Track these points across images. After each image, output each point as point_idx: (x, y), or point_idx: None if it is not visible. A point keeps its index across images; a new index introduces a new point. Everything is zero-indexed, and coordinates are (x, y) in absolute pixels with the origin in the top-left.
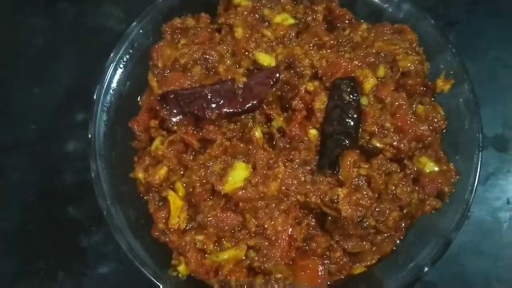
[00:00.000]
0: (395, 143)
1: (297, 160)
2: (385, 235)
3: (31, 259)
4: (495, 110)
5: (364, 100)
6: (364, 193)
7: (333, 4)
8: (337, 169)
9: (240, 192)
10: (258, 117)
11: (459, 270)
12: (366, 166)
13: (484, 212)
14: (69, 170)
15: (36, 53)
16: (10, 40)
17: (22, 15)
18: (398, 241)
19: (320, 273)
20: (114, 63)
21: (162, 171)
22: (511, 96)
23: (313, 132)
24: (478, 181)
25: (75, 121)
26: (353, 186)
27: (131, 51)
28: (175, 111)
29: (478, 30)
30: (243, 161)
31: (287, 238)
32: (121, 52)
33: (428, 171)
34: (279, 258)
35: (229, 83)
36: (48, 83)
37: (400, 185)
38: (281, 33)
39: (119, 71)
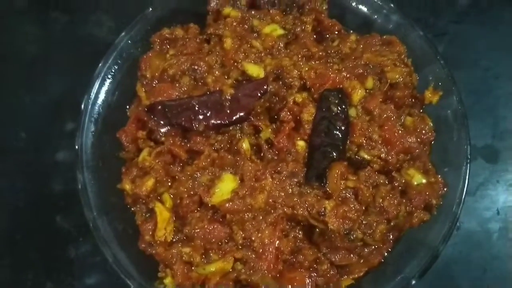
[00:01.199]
0: (383, 155)
1: (284, 172)
2: (373, 247)
3: (19, 269)
4: (485, 121)
5: (352, 112)
6: (351, 205)
7: (322, 15)
8: (324, 181)
9: (227, 204)
10: (246, 128)
11: (448, 281)
12: (354, 178)
13: (473, 223)
14: (57, 179)
15: (27, 61)
16: (1, 47)
17: (14, 23)
18: (386, 253)
19: (307, 286)
20: (103, 73)
21: (149, 183)
22: (501, 106)
23: (301, 143)
24: (467, 192)
25: (65, 130)
26: (340, 199)
27: (119, 61)
28: (162, 122)
29: (468, 41)
30: (231, 173)
31: (274, 251)
32: (109, 62)
33: (416, 183)
34: (266, 271)
35: (217, 94)
36: (39, 91)
37: (388, 197)
38: (270, 44)
39: (108, 82)
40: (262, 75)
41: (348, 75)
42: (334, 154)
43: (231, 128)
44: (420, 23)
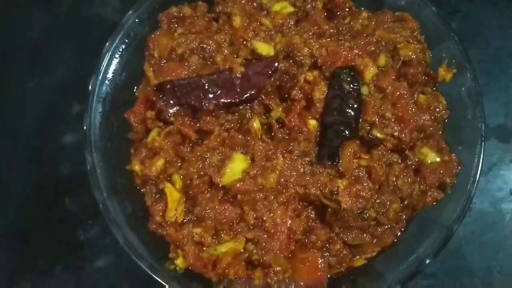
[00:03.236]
0: (396, 133)
1: (296, 151)
2: (386, 227)
3: (29, 253)
4: (498, 100)
5: (364, 90)
6: (365, 184)
7: None
8: (337, 160)
9: (238, 184)
10: (257, 107)
11: (460, 262)
12: (367, 157)
13: (486, 203)
14: (65, 162)
15: (32, 44)
16: (5, 32)
17: (18, 7)
18: (399, 233)
19: (320, 266)
20: (110, 52)
21: (159, 163)
22: None
23: (312, 122)
24: (480, 172)
25: (71, 113)
26: (353, 178)
27: (127, 40)
28: (171, 102)
29: (481, 19)
30: (241, 153)
31: (286, 231)
32: (116, 41)
33: (429, 161)
34: (278, 251)
35: (227, 73)
36: (44, 74)
37: (401, 176)
38: (280, 21)
39: (115, 61)
40: (272, 53)
41: (360, 53)
42: (347, 132)
43: (241, 108)
44: (432, 1)
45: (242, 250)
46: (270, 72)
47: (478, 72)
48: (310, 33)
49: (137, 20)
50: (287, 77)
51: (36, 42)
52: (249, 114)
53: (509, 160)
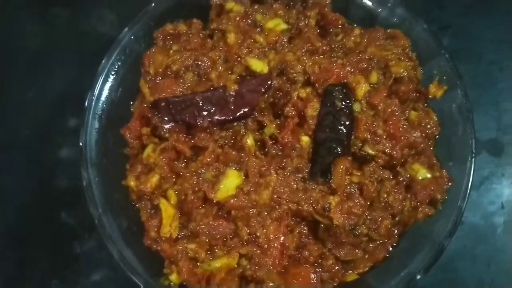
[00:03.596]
0: (387, 150)
1: (289, 168)
2: (378, 242)
3: (25, 266)
4: (489, 114)
5: (356, 107)
6: (356, 201)
7: (326, 9)
8: (329, 177)
9: (232, 200)
10: (250, 124)
11: (452, 275)
12: (359, 173)
13: (478, 217)
14: (62, 175)
15: (30, 57)
16: (3, 43)
17: (16, 19)
18: (390, 249)
19: (312, 281)
20: (106, 69)
21: (154, 179)
22: (505, 99)
23: (305, 139)
24: (472, 186)
25: (69, 127)
26: (345, 194)
27: (123, 57)
28: (166, 118)
29: (473, 34)
30: (235, 169)
31: (279, 246)
32: (112, 58)
33: (420, 178)
34: (271, 267)
35: (221, 90)
36: (41, 87)
37: (393, 192)
38: (274, 38)
39: (111, 78)
40: (265, 70)
41: (352, 70)
42: (339, 149)
43: (235, 124)
44: (424, 16)
45: (236, 266)
46: (263, 89)
47: (469, 87)
48: (303, 50)
49: (133, 37)
50: (281, 93)
51: (33, 55)
52: (243, 131)
53: (500, 174)
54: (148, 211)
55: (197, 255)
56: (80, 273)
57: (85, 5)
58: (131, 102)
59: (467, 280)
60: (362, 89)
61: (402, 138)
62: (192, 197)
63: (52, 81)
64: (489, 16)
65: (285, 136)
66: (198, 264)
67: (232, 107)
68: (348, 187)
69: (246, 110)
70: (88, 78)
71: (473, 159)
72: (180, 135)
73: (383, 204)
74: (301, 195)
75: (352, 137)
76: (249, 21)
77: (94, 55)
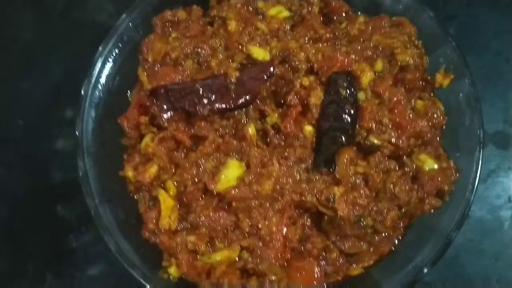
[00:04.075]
0: (393, 140)
1: (292, 158)
2: (383, 235)
3: (19, 260)
4: (496, 106)
5: (361, 95)
6: (361, 191)
7: None
8: (333, 167)
9: (233, 191)
10: (252, 113)
11: (459, 270)
12: (364, 163)
13: (484, 211)
14: (57, 168)
15: (24, 47)
16: None
17: (10, 8)
18: (396, 241)
19: (316, 275)
20: (103, 57)
21: (153, 169)
22: None
23: (308, 128)
24: (479, 179)
25: (64, 118)
26: (349, 185)
27: (120, 44)
28: (165, 107)
29: (479, 24)
30: (236, 159)
31: (281, 239)
32: (110, 45)
33: (427, 169)
34: (273, 259)
35: (222, 78)
36: (36, 78)
37: (399, 183)
38: (276, 26)
39: (108, 66)
40: (267, 58)
41: (356, 58)
42: (343, 138)
43: (236, 113)
44: (429, 5)
45: (237, 259)
46: (265, 77)
47: (475, 78)
48: (306, 38)
49: (130, 24)
50: (283, 82)
51: (29, 43)
52: (244, 120)
53: (507, 167)
54: (147, 202)
55: (197, 248)
56: (76, 267)
57: None
58: (129, 91)
59: (474, 276)
60: (367, 77)
61: (408, 127)
62: (191, 188)
63: (47, 72)
64: (494, 7)
65: (288, 125)
66: (198, 256)
67: (233, 95)
68: (353, 178)
69: (247, 97)
70: (84, 68)
71: (481, 150)
72: (180, 124)
73: (389, 195)
74: (304, 185)
75: (357, 126)
76: (251, 8)
77: (91, 44)
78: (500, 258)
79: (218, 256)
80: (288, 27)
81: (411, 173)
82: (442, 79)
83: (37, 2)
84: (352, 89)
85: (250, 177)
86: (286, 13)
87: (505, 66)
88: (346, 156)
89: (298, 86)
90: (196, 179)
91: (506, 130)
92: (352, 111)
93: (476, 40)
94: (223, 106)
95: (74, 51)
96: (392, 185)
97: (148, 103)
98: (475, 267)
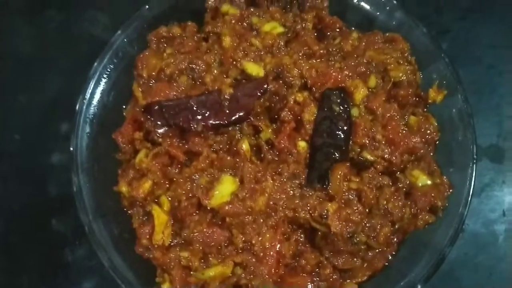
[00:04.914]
0: (386, 156)
1: (285, 174)
2: (377, 251)
3: (13, 273)
4: (490, 119)
5: (354, 111)
6: (355, 208)
7: (323, 12)
8: (326, 183)
9: (227, 207)
10: (246, 128)
11: (454, 284)
12: (357, 179)
13: (479, 225)
14: (53, 182)
15: (21, 61)
16: None
17: (7, 22)
18: (390, 257)
19: None
20: (98, 73)
21: (147, 185)
22: (506, 105)
23: (302, 144)
24: (472, 193)
25: (60, 132)
26: (343, 201)
27: (115, 60)
28: (159, 123)
29: (472, 38)
30: (230, 174)
31: (275, 255)
32: (105, 61)
33: (420, 184)
34: (267, 275)
35: (215, 94)
36: (32, 91)
37: (392, 199)
38: (270, 42)
39: (103, 81)
40: (261, 74)
41: (350, 74)
42: (337, 154)
43: (230, 129)
44: (423, 20)
45: (230, 274)
46: (259, 93)
47: (469, 92)
48: (300, 54)
49: (125, 40)
50: (277, 98)
51: (25, 58)
52: (238, 136)
53: (501, 181)
54: (140, 217)
55: (190, 264)
56: (70, 281)
57: (78, 8)
58: (124, 106)
59: None
60: (360, 93)
61: (401, 143)
62: (185, 204)
63: (43, 86)
64: (487, 21)
65: (282, 141)
66: (192, 272)
67: (227, 111)
68: (346, 194)
69: (241, 114)
70: (81, 82)
71: (474, 165)
72: (174, 140)
73: (382, 211)
74: (297, 201)
75: (350, 142)
76: (245, 24)
77: (87, 58)
78: (495, 272)
79: (211, 272)
80: (282, 43)
81: (404, 189)
82: (435, 95)
83: (33, 16)
84: (346, 105)
85: (244, 193)
86: (280, 29)
87: (499, 79)
88: (340, 172)
89: (292, 102)
90: (190, 194)
91: (499, 144)
92: (345, 127)
93: (470, 54)
94: (217, 122)
95: (71, 64)
96: (385, 201)
97: (142, 119)
98: (470, 281)
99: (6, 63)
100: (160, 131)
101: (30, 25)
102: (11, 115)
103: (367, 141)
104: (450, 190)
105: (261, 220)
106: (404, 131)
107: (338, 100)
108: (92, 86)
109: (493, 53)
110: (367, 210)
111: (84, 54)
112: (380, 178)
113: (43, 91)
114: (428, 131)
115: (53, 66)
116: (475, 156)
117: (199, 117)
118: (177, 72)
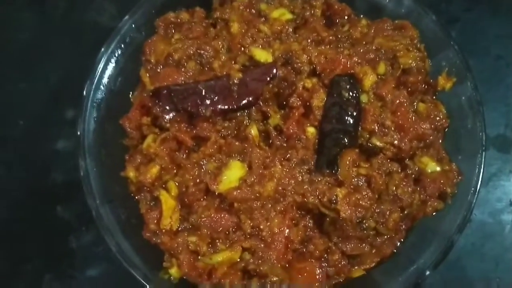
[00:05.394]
0: (395, 142)
1: (294, 159)
2: (385, 237)
3: (17, 260)
4: (497, 110)
5: (363, 98)
6: (364, 193)
7: None
8: (335, 169)
9: (235, 192)
10: (254, 114)
11: (460, 273)
12: (366, 165)
13: (486, 214)
14: (58, 168)
15: (26, 48)
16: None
17: (11, 9)
18: (398, 244)
19: (317, 276)
20: (105, 58)
21: (154, 170)
22: None
23: (311, 130)
24: (481, 182)
25: (65, 118)
26: (352, 186)
27: (123, 45)
28: (168, 107)
29: (480, 28)
30: (239, 160)
31: (283, 240)
32: (112, 46)
33: (429, 171)
34: (275, 261)
35: (224, 79)
36: (37, 78)
37: (401, 185)
38: (278, 28)
39: (111, 66)
40: (270, 60)
41: (359, 60)
42: (346, 140)
43: (238, 114)
44: (431, 9)
45: (238, 260)
46: (268, 78)
47: (477, 82)
48: (309, 40)
49: (133, 25)
50: (286, 84)
51: (31, 44)
52: (247, 121)
53: (509, 171)
54: (148, 203)
55: (198, 248)
56: (76, 268)
57: None
58: (131, 92)
59: (475, 279)
60: (369, 80)
61: (410, 129)
62: (193, 189)
63: (48, 73)
64: (495, 11)
65: (290, 127)
66: (199, 257)
67: (236, 96)
68: (356, 179)
69: (250, 99)
70: (87, 69)
71: (483, 153)
72: (182, 125)
73: (391, 197)
74: (306, 187)
75: (359, 128)
76: (253, 10)
77: (92, 46)
78: (501, 261)
79: (219, 257)
80: (290, 29)
81: (413, 175)
82: (444, 82)
83: (38, 4)
84: (355, 91)
85: (252, 178)
86: (288, 16)
87: (506, 70)
88: (349, 158)
89: (300, 88)
90: (197, 180)
91: (507, 134)
92: (354, 113)
93: (477, 44)
94: (226, 107)
95: (76, 52)
96: (394, 187)
97: (150, 104)
98: (476, 270)
99: (11, 49)
100: (168, 116)
101: (34, 12)
102: (15, 101)
103: (376, 127)
104: (459, 177)
105: (270, 206)
106: (413, 118)
107: (347, 86)
108: (99, 71)
109: (500, 44)
110: (376, 195)
111: (89, 42)
112: (389, 164)
113: (47, 79)
114: (437, 118)
115: (58, 53)
116: (484, 144)
117: (207, 101)
118: (185, 57)
